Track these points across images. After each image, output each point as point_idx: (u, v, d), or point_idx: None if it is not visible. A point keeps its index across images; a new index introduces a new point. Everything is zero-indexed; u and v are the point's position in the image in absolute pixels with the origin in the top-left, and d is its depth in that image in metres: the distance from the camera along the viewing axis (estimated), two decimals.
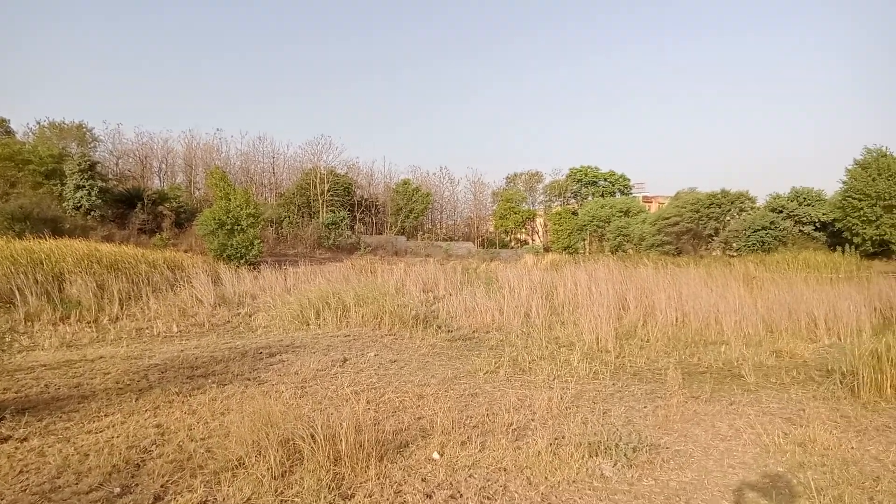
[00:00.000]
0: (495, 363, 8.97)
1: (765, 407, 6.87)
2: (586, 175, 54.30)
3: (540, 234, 55.96)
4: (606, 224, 44.62)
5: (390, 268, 24.00)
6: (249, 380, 7.93)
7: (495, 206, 54.14)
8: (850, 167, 32.64)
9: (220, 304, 15.06)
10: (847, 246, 31.80)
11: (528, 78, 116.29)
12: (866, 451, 5.23)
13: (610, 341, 10.52)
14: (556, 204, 55.65)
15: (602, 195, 52.86)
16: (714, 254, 36.77)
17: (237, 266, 21.83)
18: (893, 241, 30.92)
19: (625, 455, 5.10)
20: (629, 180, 55.98)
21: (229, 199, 23.44)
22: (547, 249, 48.47)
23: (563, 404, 6.86)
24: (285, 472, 4.58)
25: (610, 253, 41.24)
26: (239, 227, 23.31)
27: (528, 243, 53.26)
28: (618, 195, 53.19)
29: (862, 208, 30.96)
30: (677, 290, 14.33)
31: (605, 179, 54.75)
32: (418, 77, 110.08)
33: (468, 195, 56.96)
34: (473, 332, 12.12)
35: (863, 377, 7.19)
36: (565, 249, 46.55)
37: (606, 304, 13.22)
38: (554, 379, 8.22)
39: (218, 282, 17.61)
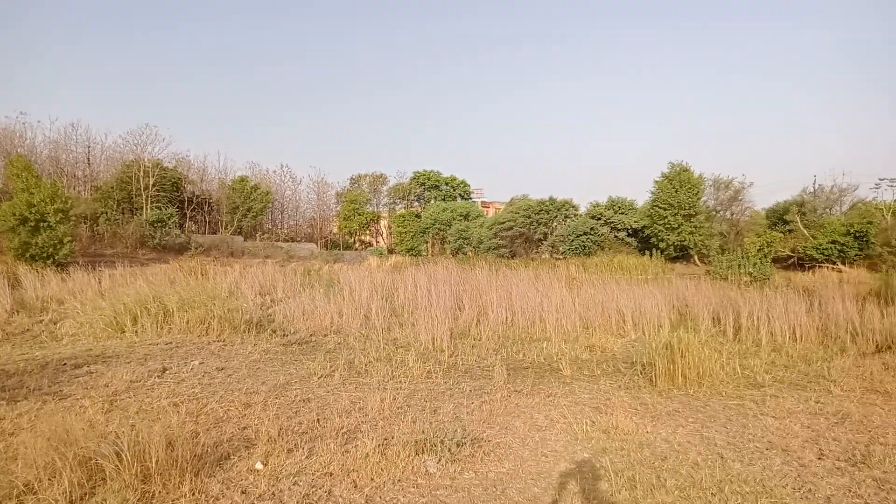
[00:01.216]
0: (331, 367, 8.87)
1: (577, 398, 7.53)
2: (429, 179, 55.75)
3: (384, 236, 56.34)
4: (448, 227, 46.13)
5: (224, 270, 22.70)
6: (49, 395, 7.04)
7: (339, 207, 53.57)
8: (657, 179, 36.92)
9: (17, 311, 13.19)
10: (654, 250, 35.95)
11: (376, 81, 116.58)
12: (658, 433, 5.95)
13: (445, 341, 10.88)
14: (400, 206, 56.41)
15: (444, 199, 54.61)
16: (543, 257, 39.56)
17: (43, 267, 19.32)
18: (691, 246, 35.49)
19: (449, 450, 5.31)
20: (469, 186, 58.44)
21: (32, 193, 20.66)
22: (391, 251, 48.94)
23: (395, 405, 6.97)
24: (85, 494, 4.14)
25: (451, 255, 42.66)
26: (45, 224, 20.63)
27: (372, 245, 53.35)
28: (459, 200, 55.28)
29: (666, 217, 35.17)
30: (508, 290, 15.21)
31: (447, 184, 56.63)
32: (260, 73, 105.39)
33: (311, 195, 55.78)
34: (311, 335, 11.87)
35: (659, 367, 8.18)
36: (409, 251, 47.35)
37: (444, 304, 13.66)
38: (389, 380, 8.31)
39: (17, 285, 15.44)
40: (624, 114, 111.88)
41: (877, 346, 10.60)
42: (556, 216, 40.84)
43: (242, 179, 45.18)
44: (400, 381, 8.24)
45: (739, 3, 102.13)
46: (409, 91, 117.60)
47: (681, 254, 36.36)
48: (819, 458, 5.10)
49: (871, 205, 36.87)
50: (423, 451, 5.32)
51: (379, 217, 55.14)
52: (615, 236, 39.22)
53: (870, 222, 32.49)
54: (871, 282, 24.49)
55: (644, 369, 8.69)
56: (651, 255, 35.25)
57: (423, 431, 5.84)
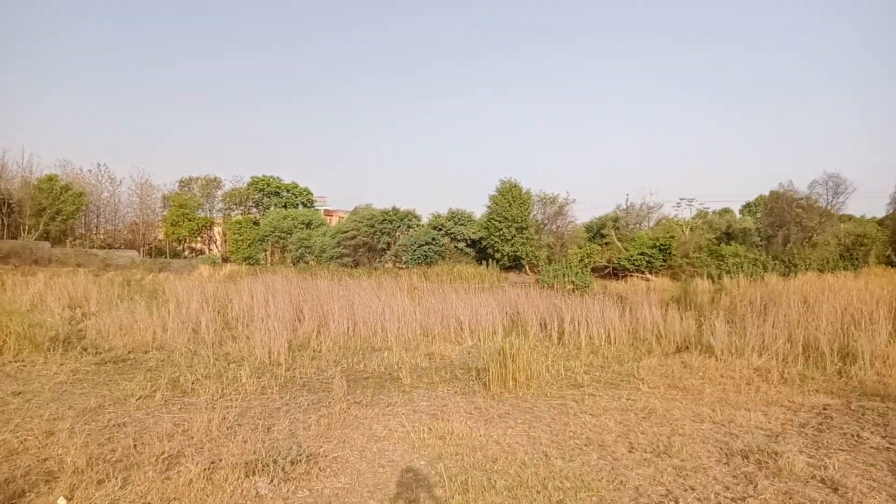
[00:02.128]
0: (151, 386, 8.10)
1: (416, 406, 7.60)
2: (269, 185, 53.64)
3: (218, 243, 53.08)
4: (289, 235, 44.66)
5: (26, 280, 19.94)
6: None
7: (166, 212, 49.55)
8: (492, 194, 38.86)
9: None
10: (490, 260, 37.69)
11: (210, 77, 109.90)
12: (490, 436, 6.17)
13: (282, 354, 10.47)
14: (236, 213, 53.54)
15: (285, 206, 52.81)
16: (387, 266, 39.79)
17: None
18: (523, 256, 37.73)
19: (283, 469, 5.08)
20: (312, 193, 57.15)
21: None
22: (226, 260, 46.23)
23: (224, 425, 6.54)
24: None
25: (292, 264, 41.34)
26: None
27: (204, 253, 49.98)
28: (301, 207, 53.79)
29: (501, 229, 37.11)
30: (350, 300, 15.03)
31: (289, 191, 54.89)
32: (73, 60, 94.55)
33: (133, 198, 50.99)
34: (129, 352, 10.77)
35: (492, 372, 8.52)
36: (246, 260, 45.08)
37: (282, 316, 13.16)
38: (218, 398, 7.78)
39: None
40: (466, 129, 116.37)
41: (677, 346, 11.92)
42: (400, 226, 41.34)
43: (50, 178, 40.31)
44: (231, 399, 7.76)
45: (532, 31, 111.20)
46: (250, 96, 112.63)
47: (514, 263, 38.49)
48: (630, 451, 5.60)
49: (673, 221, 41.83)
50: (254, 472, 5.04)
51: (212, 223, 51.94)
52: (455, 246, 40.56)
53: (672, 236, 36.78)
54: (672, 289, 27.73)
55: (479, 375, 9.01)
56: (488, 265, 36.89)
57: (254, 451, 5.53)
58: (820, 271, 28.24)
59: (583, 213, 73.39)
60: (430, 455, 5.63)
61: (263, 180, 53.22)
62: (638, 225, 42.80)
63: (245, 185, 53.50)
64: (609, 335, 12.73)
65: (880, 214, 38.63)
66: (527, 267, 38.39)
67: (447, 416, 6.91)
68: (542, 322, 14.15)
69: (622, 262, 35.64)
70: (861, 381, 8.87)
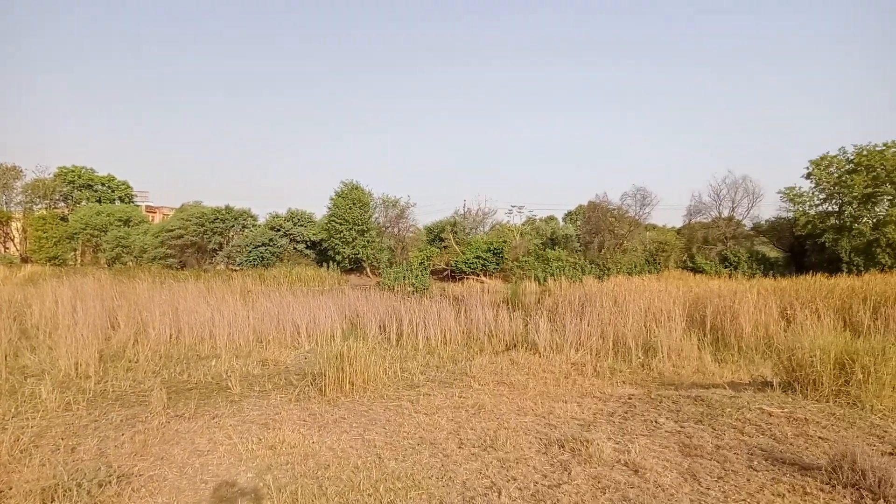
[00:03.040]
0: None
1: (246, 416, 7.24)
2: (80, 177, 48.03)
3: (16, 241, 46.43)
4: (103, 233, 40.36)
5: None
6: None
7: None
8: (333, 196, 38.28)
9: None
10: (331, 262, 37.10)
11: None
12: (324, 442, 6.06)
13: (92, 365, 9.44)
14: (39, 207, 47.18)
15: (99, 201, 47.65)
16: (218, 268, 37.51)
17: None
18: (364, 259, 37.63)
19: (88, 493, 4.58)
20: (131, 188, 52.17)
21: None
22: (25, 260, 40.66)
23: (18, 448, 5.75)
24: None
25: (107, 265, 37.45)
26: None
27: None
28: (118, 202, 48.89)
29: (342, 231, 36.68)
30: (174, 305, 13.96)
31: (104, 184, 49.57)
32: None
33: None
34: None
35: (329, 377, 8.38)
36: (50, 261, 39.97)
37: (93, 323, 11.86)
38: (11, 418, 6.83)
39: None
40: (306, 128, 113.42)
41: (506, 345, 12.61)
42: (234, 226, 39.22)
43: None
44: (27, 418, 6.84)
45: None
46: (58, 78, 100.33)
47: (355, 266, 38.26)
48: (459, 447, 5.80)
49: (506, 227, 44.21)
50: (52, 498, 4.48)
51: (9, 218, 45.41)
52: (295, 248, 39.37)
53: (504, 241, 38.82)
54: (504, 291, 29.28)
55: (315, 380, 8.80)
56: (328, 267, 36.28)
57: (54, 475, 4.92)
58: (629, 274, 31.49)
59: (423, 217, 75.08)
60: (258, 467, 5.39)
61: (74, 171, 47.52)
62: (474, 229, 44.64)
63: (51, 176, 47.41)
64: (445, 336, 13.12)
65: (679, 224, 44.01)
66: (368, 269, 38.34)
67: (279, 425, 6.67)
68: (382, 324, 14.21)
69: (460, 265, 36.93)
70: (660, 372, 10.02)
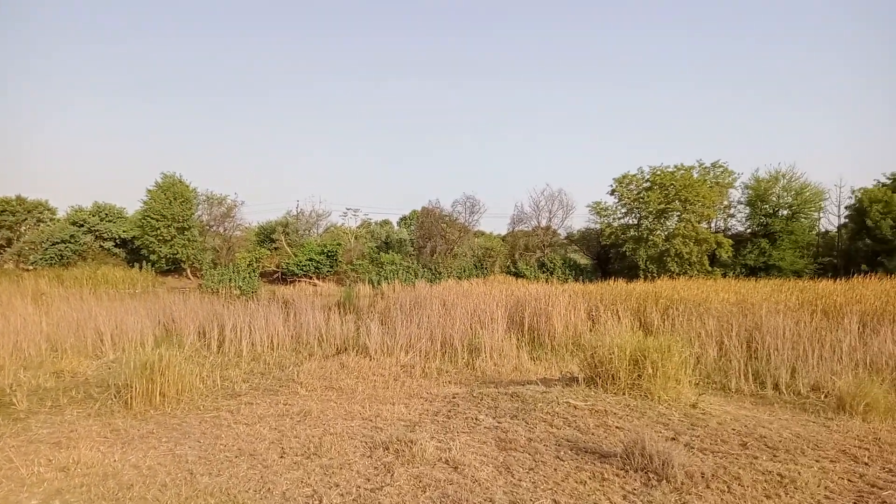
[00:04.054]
0: None
1: (33, 435, 6.37)
2: None
3: None
4: None
5: None
6: None
7: None
8: (150, 188, 35.15)
9: None
10: (145, 263, 34.02)
11: None
12: (128, 460, 5.50)
13: None
14: None
15: None
16: (6, 266, 32.69)
17: None
18: (184, 259, 35.00)
19: None
20: None
21: None
22: None
23: None
24: None
25: None
26: None
27: None
28: None
29: (159, 228, 33.78)
30: None
31: None
32: None
33: None
34: None
35: (136, 388, 7.65)
36: None
37: None
38: None
39: None
40: (125, 112, 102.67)
41: (337, 348, 12.45)
42: (27, 219, 34.37)
43: None
44: None
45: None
46: None
47: (173, 267, 35.49)
48: (281, 457, 5.60)
49: (341, 229, 43.80)
50: None
51: None
52: (101, 246, 35.51)
53: (339, 244, 38.42)
54: (337, 294, 28.96)
55: (120, 392, 7.99)
56: (141, 268, 33.28)
57: None
58: (459, 278, 32.77)
59: (254, 217, 71.66)
60: (45, 492, 4.75)
61: None
62: (307, 231, 43.63)
63: None
64: (272, 341, 12.64)
65: (504, 232, 46.73)
66: (188, 271, 35.74)
67: (74, 443, 5.95)
68: (202, 330, 13.31)
69: (291, 268, 35.85)
70: (483, 370, 10.53)
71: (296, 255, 36.84)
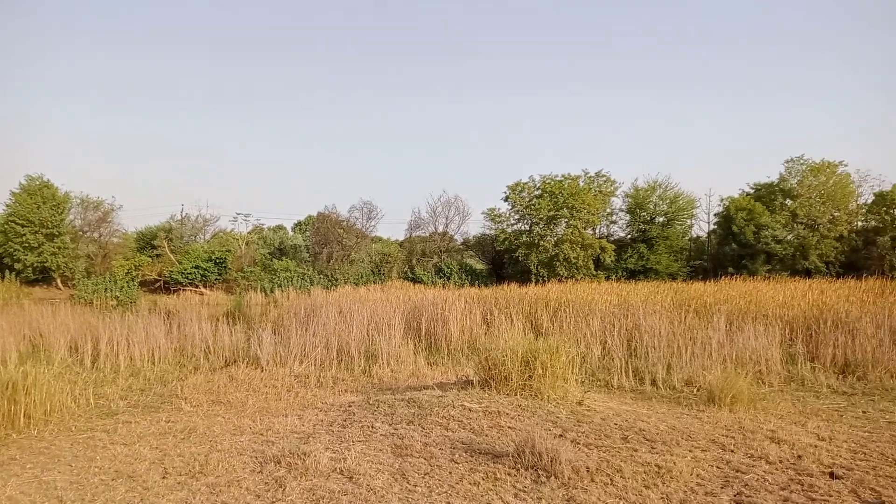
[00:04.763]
0: None
1: None
2: None
3: None
4: None
5: None
6: None
7: None
8: (14, 191, 32.05)
9: None
10: (8, 272, 30.94)
11: None
12: None
13: None
14: None
15: None
16: None
17: None
18: (54, 268, 32.16)
19: None
20: None
21: None
22: None
23: None
24: None
25: None
26: None
27: None
28: None
29: (25, 234, 30.84)
30: None
31: None
32: None
33: None
34: None
35: None
36: None
37: None
38: None
39: None
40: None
41: (226, 360, 11.92)
42: None
43: None
44: None
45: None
46: None
47: (41, 276, 32.52)
48: (163, 478, 5.26)
49: (230, 235, 41.95)
50: None
51: None
52: None
53: (228, 250, 36.84)
54: (226, 303, 27.74)
55: None
56: (3, 278, 30.24)
57: None
58: (356, 285, 32.42)
59: (133, 222, 67.01)
60: None
61: None
62: (193, 237, 41.47)
63: None
64: (154, 354, 11.90)
65: (401, 237, 46.80)
66: (59, 280, 32.85)
67: None
68: (73, 344, 12.29)
69: (175, 276, 33.89)
70: (380, 377, 10.49)
71: (180, 263, 34.88)
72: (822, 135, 79.32)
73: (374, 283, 34.18)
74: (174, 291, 33.62)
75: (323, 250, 36.79)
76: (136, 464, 5.68)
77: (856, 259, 33.13)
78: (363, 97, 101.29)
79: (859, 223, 35.00)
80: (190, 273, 33.95)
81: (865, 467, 5.37)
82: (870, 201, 34.67)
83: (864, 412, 7.94)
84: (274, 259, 37.44)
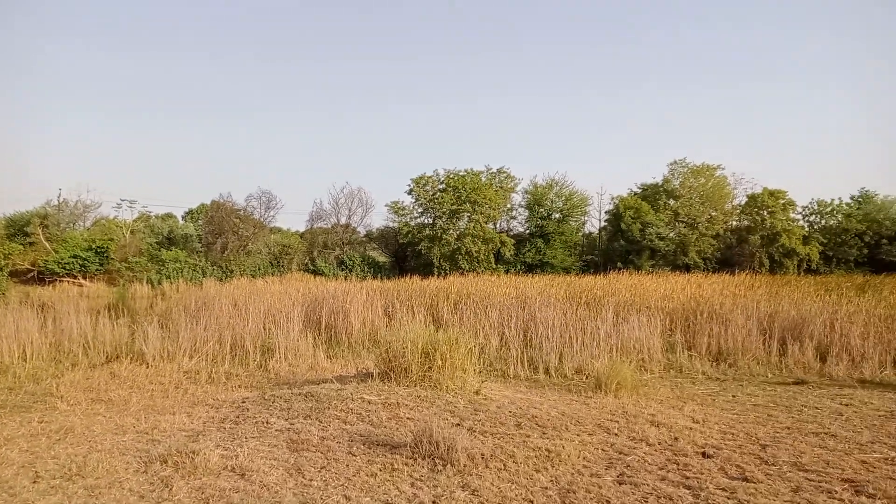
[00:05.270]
0: None
1: None
2: None
3: None
4: None
5: None
6: None
7: None
8: None
9: None
10: None
11: None
12: None
13: None
14: None
15: None
16: None
17: None
18: None
19: None
20: None
21: None
22: None
23: None
24: None
25: None
26: None
27: None
28: None
29: None
30: None
31: None
32: None
33: None
34: None
35: None
36: None
37: None
38: None
39: None
40: None
41: (107, 356, 11.16)
42: None
43: None
44: None
45: None
46: None
47: None
48: (34, 482, 4.86)
49: (113, 223, 39.18)
50: None
51: None
52: None
53: (111, 239, 34.41)
54: (109, 295, 25.94)
55: None
56: None
57: None
58: (253, 276, 31.32)
59: (1, 206, 60.82)
60: None
61: None
62: (72, 224, 38.35)
63: None
64: (25, 350, 10.94)
65: (302, 228, 45.67)
66: None
67: None
68: None
69: (51, 266, 31.20)
70: (277, 372, 10.23)
71: (57, 252, 32.16)
72: (704, 137, 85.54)
73: (273, 275, 33.19)
74: (50, 283, 30.99)
75: (217, 240, 35.21)
76: (2, 469, 5.20)
77: (730, 255, 36.14)
78: (266, 83, 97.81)
79: (734, 223, 38.17)
80: (68, 263, 31.40)
81: (733, 446, 5.89)
82: (743, 202, 37.91)
83: (733, 396, 8.69)
84: (162, 249, 35.36)
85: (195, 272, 31.77)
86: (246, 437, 6.02)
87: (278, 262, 36.63)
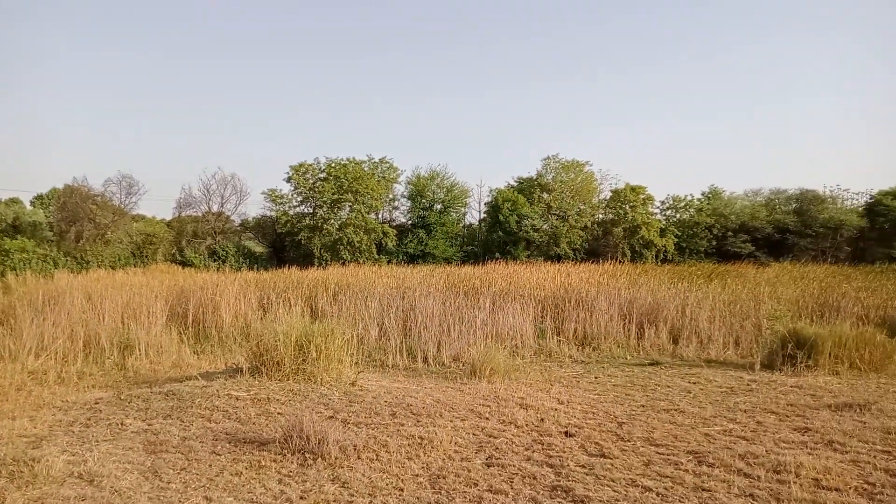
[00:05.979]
0: None
1: None
2: None
3: None
4: None
5: None
6: None
7: None
8: None
9: None
10: None
11: None
12: None
13: None
14: None
15: None
16: None
17: None
18: None
19: None
20: None
21: None
22: None
23: None
24: None
25: None
26: None
27: None
28: None
29: None
30: None
31: None
32: None
33: None
34: None
35: None
36: None
37: None
38: None
39: None
40: None
41: None
42: None
43: None
44: None
45: None
46: None
47: None
48: None
49: None
50: None
51: None
52: None
53: None
54: None
55: None
56: None
57: None
58: (112, 268, 28.89)
59: None
60: None
61: None
62: None
63: None
64: None
65: (169, 216, 42.74)
66: None
67: None
68: None
69: None
70: (136, 370, 9.50)
71: None
72: (572, 134, 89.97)
73: (135, 266, 30.81)
74: None
75: (71, 228, 32.09)
76: None
77: (597, 246, 38.48)
78: (129, 55, 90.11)
79: (600, 216, 40.64)
80: None
81: (593, 425, 6.26)
82: (608, 197, 40.47)
83: (596, 378, 9.24)
84: (6, 238, 31.65)
85: (45, 263, 28.77)
86: (97, 441, 5.54)
87: (141, 252, 34.08)
